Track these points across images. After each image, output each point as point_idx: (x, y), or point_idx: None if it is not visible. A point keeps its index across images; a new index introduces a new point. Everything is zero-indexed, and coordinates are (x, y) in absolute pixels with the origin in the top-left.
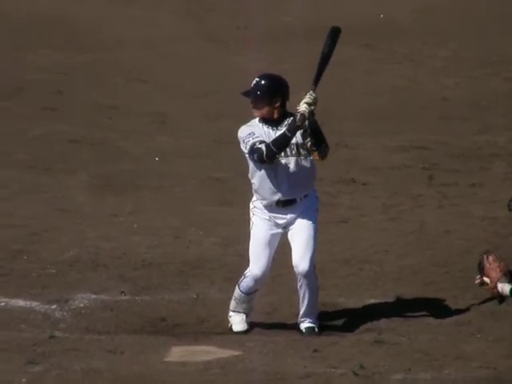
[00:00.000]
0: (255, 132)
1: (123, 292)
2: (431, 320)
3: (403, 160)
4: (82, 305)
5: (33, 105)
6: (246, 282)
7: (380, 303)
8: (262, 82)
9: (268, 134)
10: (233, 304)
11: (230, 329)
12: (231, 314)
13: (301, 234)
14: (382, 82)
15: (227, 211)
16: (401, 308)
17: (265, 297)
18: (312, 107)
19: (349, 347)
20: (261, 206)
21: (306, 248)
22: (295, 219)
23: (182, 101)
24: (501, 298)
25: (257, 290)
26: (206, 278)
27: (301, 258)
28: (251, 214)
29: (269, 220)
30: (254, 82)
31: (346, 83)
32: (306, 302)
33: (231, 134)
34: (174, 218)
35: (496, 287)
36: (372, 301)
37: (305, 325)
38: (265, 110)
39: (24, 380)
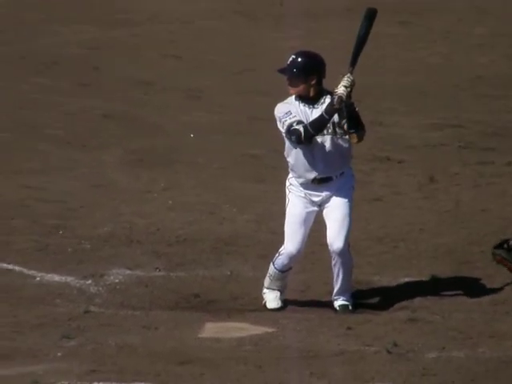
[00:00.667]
0: (292, 111)
1: (158, 268)
2: (466, 299)
3: (439, 138)
4: (116, 280)
5: (68, 80)
6: (281, 259)
7: (414, 281)
8: (299, 59)
9: (304, 112)
10: (267, 281)
11: (264, 306)
12: (265, 290)
13: (336, 212)
14: (418, 60)
15: (261, 188)
16: (435, 286)
17: (298, 274)
18: (349, 89)
19: (382, 325)
20: (296, 183)
21: (341, 226)
22: (331, 197)
23: (217, 77)
24: None
25: (291, 268)
26: (240, 255)
27: (335, 237)
28: (287, 192)
29: (304, 197)
30: (290, 59)
31: (382, 61)
32: (340, 279)
33: (266, 110)
34: (208, 195)
35: None
36: (406, 279)
37: (339, 302)
38: (301, 88)
39: (59, 354)
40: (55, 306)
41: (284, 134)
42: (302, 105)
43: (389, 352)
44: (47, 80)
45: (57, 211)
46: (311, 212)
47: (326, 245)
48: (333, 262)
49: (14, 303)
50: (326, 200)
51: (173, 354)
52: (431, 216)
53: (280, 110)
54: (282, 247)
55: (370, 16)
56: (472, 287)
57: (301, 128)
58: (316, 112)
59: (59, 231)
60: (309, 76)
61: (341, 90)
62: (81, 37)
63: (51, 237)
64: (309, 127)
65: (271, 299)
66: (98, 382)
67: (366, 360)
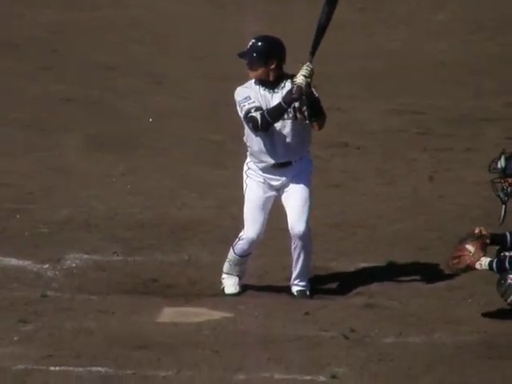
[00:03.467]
0: (251, 96)
1: (115, 252)
2: (423, 285)
3: (398, 124)
4: (74, 264)
5: (28, 63)
6: (241, 244)
7: (372, 267)
8: (258, 43)
9: (264, 96)
10: (226, 266)
11: (222, 291)
12: (224, 276)
13: (296, 196)
14: (377, 46)
15: (222, 174)
16: (393, 272)
17: (256, 260)
18: (309, 79)
19: (339, 310)
20: (255, 167)
21: (302, 210)
22: (289, 182)
23: (179, 62)
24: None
25: (250, 253)
26: (199, 240)
27: (297, 220)
28: (245, 177)
29: (263, 182)
30: (250, 43)
31: (341, 46)
32: (299, 264)
33: (229, 96)
34: (168, 180)
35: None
36: (364, 265)
37: (296, 288)
38: (260, 72)
39: (15, 338)
40: (12, 290)
41: (242, 119)
42: (262, 89)
43: (346, 337)
44: (8, 63)
45: (15, 195)
46: (270, 197)
47: (284, 230)
48: (293, 247)
49: None
50: (285, 184)
51: (130, 338)
52: (389, 202)
53: (239, 94)
54: (242, 232)
55: (332, 2)
56: (429, 273)
57: (258, 115)
58: (276, 96)
59: (17, 215)
60: (268, 60)
61: (300, 79)
62: (43, 20)
63: (8, 221)
64: (266, 115)
65: (229, 285)
66: (55, 366)
67: (323, 345)
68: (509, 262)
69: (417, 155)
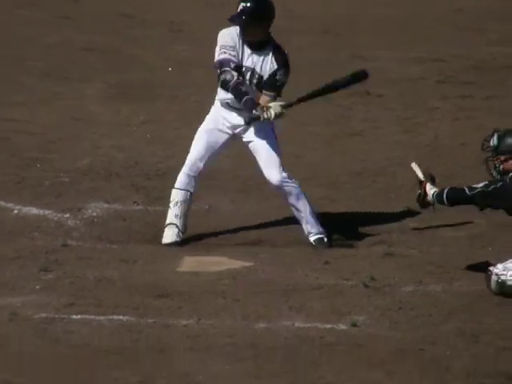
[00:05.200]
0: (234, 47)
1: (136, 202)
2: (443, 233)
3: (419, 72)
4: (94, 214)
5: (48, 12)
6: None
7: (392, 216)
8: (248, 4)
9: (244, 51)
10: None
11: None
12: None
13: (262, 147)
14: None
15: None
16: (413, 221)
17: (279, 211)
18: (279, 117)
19: (360, 259)
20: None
21: (271, 158)
22: (252, 132)
23: (199, 10)
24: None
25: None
26: (219, 189)
27: (270, 170)
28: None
29: (222, 123)
30: (240, 7)
31: None
32: (302, 213)
33: None
34: (187, 128)
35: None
36: (384, 213)
37: (313, 237)
38: (257, 33)
39: (37, 287)
40: (33, 239)
41: (214, 62)
42: (245, 45)
43: (366, 286)
44: (27, 12)
45: (36, 144)
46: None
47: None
48: (285, 199)
49: None
50: (245, 130)
51: (151, 287)
52: (410, 150)
53: (223, 37)
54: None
55: (359, 79)
56: (449, 222)
57: (234, 81)
58: (257, 59)
59: (37, 164)
60: (259, 21)
61: (272, 112)
62: None
63: (29, 170)
64: (238, 87)
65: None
66: (77, 314)
67: (343, 294)
68: (446, 195)
69: (438, 103)
